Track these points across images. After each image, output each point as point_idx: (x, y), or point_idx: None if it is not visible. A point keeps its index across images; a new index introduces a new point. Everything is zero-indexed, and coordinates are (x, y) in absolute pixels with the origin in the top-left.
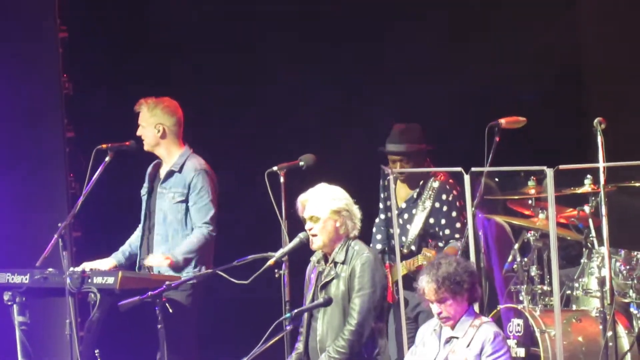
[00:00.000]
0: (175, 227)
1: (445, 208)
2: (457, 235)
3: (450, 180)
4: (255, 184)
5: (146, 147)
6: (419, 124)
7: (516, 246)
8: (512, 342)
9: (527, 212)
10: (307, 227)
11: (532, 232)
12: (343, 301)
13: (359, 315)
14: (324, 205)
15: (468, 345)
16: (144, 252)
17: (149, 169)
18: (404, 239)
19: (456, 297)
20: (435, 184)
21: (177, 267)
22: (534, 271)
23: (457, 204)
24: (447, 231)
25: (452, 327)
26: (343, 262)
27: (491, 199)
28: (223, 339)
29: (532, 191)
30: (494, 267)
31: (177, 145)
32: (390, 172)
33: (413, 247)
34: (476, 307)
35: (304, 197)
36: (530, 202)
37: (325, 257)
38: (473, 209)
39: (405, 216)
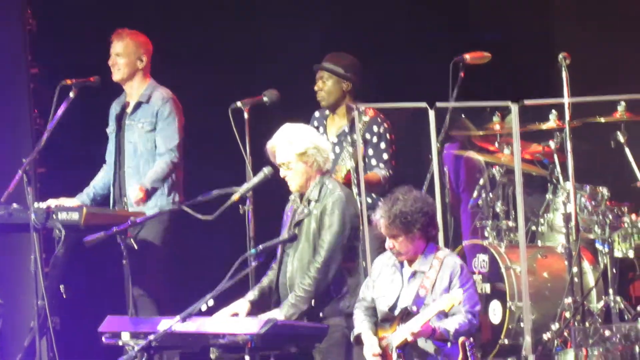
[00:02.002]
0: (146, 157)
1: (375, 139)
2: (381, 166)
3: (381, 115)
4: (219, 119)
5: (118, 78)
6: (368, 61)
7: (481, 182)
8: (477, 278)
9: (492, 148)
10: (281, 174)
11: (497, 167)
12: (314, 239)
13: (325, 253)
14: (289, 150)
15: (436, 279)
16: (117, 188)
17: (113, 106)
18: (342, 168)
19: (408, 235)
20: (366, 118)
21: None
22: (499, 207)
23: (388, 136)
24: (373, 161)
25: (410, 262)
26: (317, 200)
27: (456, 134)
28: (188, 276)
29: (497, 127)
30: (462, 202)
31: (146, 78)
32: (355, 107)
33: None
34: (442, 242)
35: (271, 144)
36: (495, 138)
37: (302, 195)
38: (438, 144)
39: (337, 149)
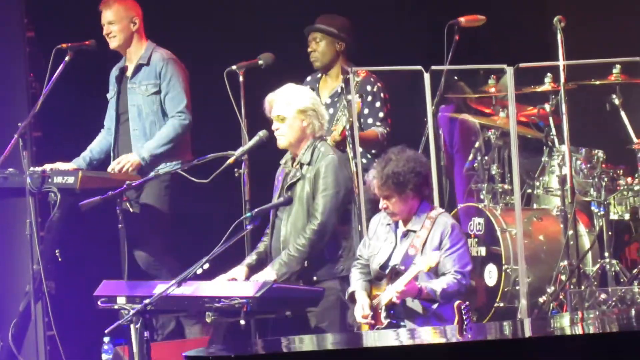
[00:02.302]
0: (152, 119)
1: (369, 98)
2: (378, 124)
3: (374, 75)
4: (214, 83)
5: (115, 45)
6: (365, 22)
7: (476, 144)
8: (472, 241)
9: (487, 111)
10: (273, 126)
11: (493, 130)
12: (307, 202)
13: (321, 216)
14: (290, 104)
15: (427, 238)
16: (116, 153)
17: (113, 71)
18: (340, 125)
19: (401, 195)
20: (358, 79)
21: (148, 165)
22: (494, 170)
23: (382, 95)
24: (369, 120)
25: (405, 222)
26: (309, 164)
27: (452, 97)
28: (184, 240)
29: (493, 89)
30: (456, 165)
31: (142, 40)
32: (350, 70)
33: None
34: (437, 202)
35: (271, 97)
36: (490, 100)
37: (293, 159)
38: (433, 107)
39: (331, 111)
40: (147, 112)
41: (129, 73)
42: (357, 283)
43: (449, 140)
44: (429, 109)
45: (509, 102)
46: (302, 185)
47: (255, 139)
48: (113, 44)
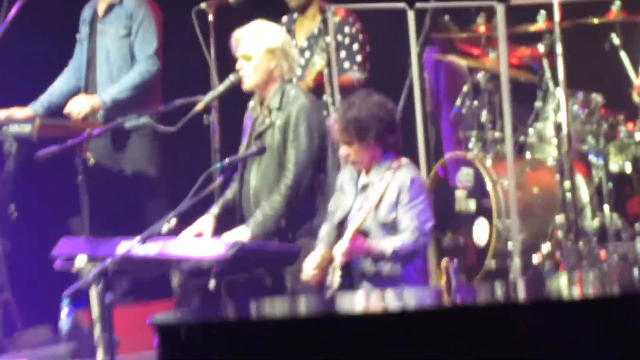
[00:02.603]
0: (120, 64)
1: (347, 41)
2: (355, 68)
3: (353, 15)
4: (181, 22)
5: None
6: None
7: (465, 88)
8: (461, 194)
9: (476, 52)
10: (238, 65)
11: (482, 73)
12: (278, 152)
13: (295, 168)
14: (257, 42)
15: (384, 192)
16: None
17: (85, 11)
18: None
19: (362, 142)
20: (336, 19)
21: (111, 111)
22: (484, 116)
23: (361, 37)
24: (345, 64)
25: (367, 173)
26: (278, 109)
27: (438, 37)
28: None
29: (482, 29)
30: (442, 111)
31: None
32: (328, 9)
33: None
34: (422, 155)
35: (238, 33)
36: (479, 41)
37: (262, 103)
38: (417, 48)
39: (307, 54)
40: (114, 57)
41: (100, 13)
42: (322, 240)
43: (434, 85)
44: (413, 50)
45: (500, 42)
46: (272, 134)
47: (226, 83)
48: None
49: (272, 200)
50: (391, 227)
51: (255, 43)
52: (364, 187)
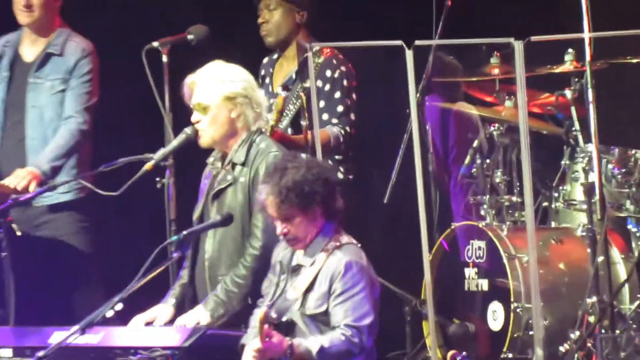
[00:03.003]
0: (57, 124)
1: (327, 87)
2: (335, 121)
3: (340, 56)
4: (128, 65)
5: (30, 21)
6: None
7: (475, 143)
8: (471, 272)
9: (488, 99)
10: (193, 118)
11: (496, 124)
12: (242, 215)
13: (264, 235)
14: (214, 89)
15: (315, 278)
16: (7, 164)
17: (6, 49)
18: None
19: (307, 213)
20: (320, 60)
21: (48, 178)
22: (499, 177)
23: (345, 82)
24: (324, 115)
25: (305, 250)
26: (243, 164)
27: (442, 81)
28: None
29: (496, 71)
30: (452, 171)
31: (54, 21)
32: (308, 46)
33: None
34: (423, 225)
35: (191, 78)
36: (493, 86)
37: (224, 157)
38: (418, 95)
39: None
40: (51, 117)
41: (30, 60)
42: (251, 331)
43: (440, 139)
44: (412, 98)
45: (518, 88)
46: (234, 192)
47: (181, 137)
48: (26, 19)
49: (237, 275)
50: (322, 322)
51: (213, 89)
52: (295, 270)
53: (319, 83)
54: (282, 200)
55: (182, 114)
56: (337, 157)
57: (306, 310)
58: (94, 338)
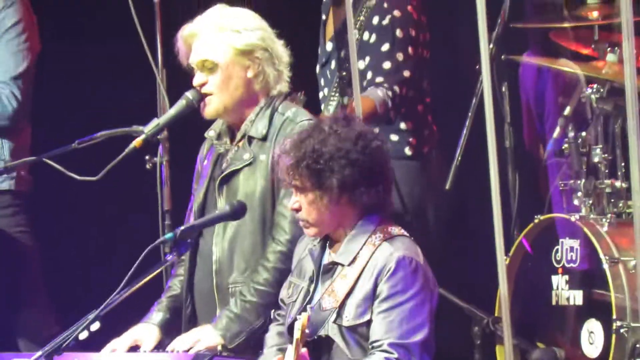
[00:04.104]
0: None
1: (374, 38)
2: (380, 79)
3: None
4: (114, 9)
5: None
6: None
7: (566, 111)
8: (561, 280)
9: (585, 52)
10: (196, 81)
11: (595, 86)
12: (262, 203)
13: (293, 227)
14: (223, 40)
15: (357, 280)
16: None
17: None
18: (331, 104)
19: (320, 191)
20: (372, 2)
21: None
22: (598, 155)
23: (399, 32)
24: (369, 74)
25: (333, 247)
26: (264, 138)
27: (521, 27)
28: (65, 281)
29: (594, 14)
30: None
31: None
32: None
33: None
34: (496, 216)
35: (188, 30)
36: (591, 34)
37: (231, 131)
38: (491, 45)
39: (332, 65)
40: None
41: None
42: (268, 351)
43: (535, 106)
44: (484, 50)
45: (624, 36)
46: (251, 174)
47: (181, 104)
48: None
49: (257, 281)
50: (364, 336)
51: (220, 42)
52: (328, 270)
53: (365, 35)
54: (291, 165)
55: (179, 75)
56: (402, 126)
57: (344, 322)
58: None
